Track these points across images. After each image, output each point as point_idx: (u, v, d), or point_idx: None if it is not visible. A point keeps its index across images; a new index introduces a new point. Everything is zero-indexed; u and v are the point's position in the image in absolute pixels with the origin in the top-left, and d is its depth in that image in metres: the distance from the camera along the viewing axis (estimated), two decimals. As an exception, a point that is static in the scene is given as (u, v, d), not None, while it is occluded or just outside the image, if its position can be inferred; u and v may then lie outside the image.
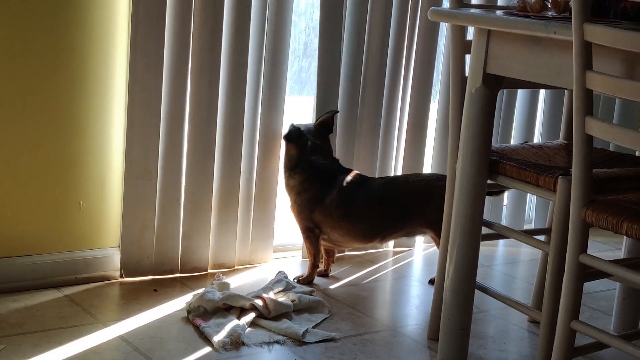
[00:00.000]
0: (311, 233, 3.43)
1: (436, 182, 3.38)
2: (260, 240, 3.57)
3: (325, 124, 3.53)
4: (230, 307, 3.00)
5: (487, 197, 2.71)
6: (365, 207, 3.40)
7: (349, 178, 3.43)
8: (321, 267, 3.53)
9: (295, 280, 3.41)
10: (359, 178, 3.47)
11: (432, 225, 3.35)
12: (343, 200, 3.38)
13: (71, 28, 3.05)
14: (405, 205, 3.42)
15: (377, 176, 3.74)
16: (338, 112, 3.59)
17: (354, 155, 3.72)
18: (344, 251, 3.79)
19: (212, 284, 3.20)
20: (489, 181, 2.67)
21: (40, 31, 3.00)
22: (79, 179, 3.16)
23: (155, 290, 3.22)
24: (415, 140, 3.88)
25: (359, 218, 3.41)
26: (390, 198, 3.42)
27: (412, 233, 3.57)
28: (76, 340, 2.74)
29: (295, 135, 3.47)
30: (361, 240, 3.50)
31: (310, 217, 3.42)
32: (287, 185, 3.50)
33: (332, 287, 3.43)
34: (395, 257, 3.87)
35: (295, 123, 3.53)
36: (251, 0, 3.32)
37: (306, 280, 3.42)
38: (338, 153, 3.66)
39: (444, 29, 3.89)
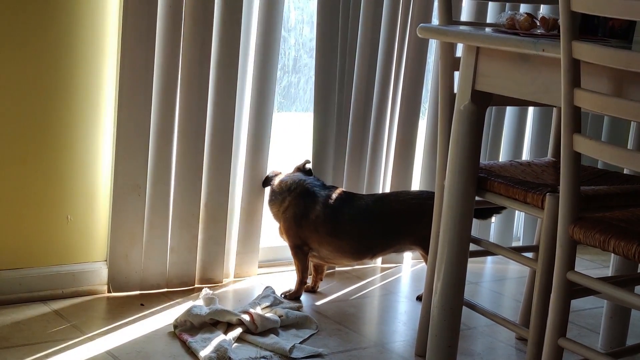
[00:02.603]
0: (299, 250, 3.43)
1: (425, 200, 3.38)
2: (245, 255, 3.56)
3: (301, 170, 3.58)
4: (217, 322, 2.99)
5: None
6: (355, 224, 3.40)
7: (334, 195, 3.44)
8: (309, 283, 3.53)
9: (283, 296, 3.41)
10: (345, 195, 3.47)
11: (422, 242, 3.35)
12: (329, 216, 3.38)
13: (59, 41, 3.05)
14: (395, 223, 3.42)
15: (364, 193, 3.74)
16: (309, 161, 3.62)
17: (342, 172, 3.72)
18: (334, 268, 3.78)
19: (200, 298, 3.19)
20: (478, 199, 2.68)
21: (28, 45, 2.99)
22: (66, 192, 3.16)
23: (142, 304, 3.21)
24: (403, 157, 3.89)
25: (348, 235, 3.40)
26: (380, 215, 3.42)
27: (400, 250, 3.58)
28: (63, 354, 2.73)
29: (271, 176, 3.54)
30: (350, 257, 3.49)
31: (297, 233, 3.42)
32: (272, 208, 3.50)
33: (319, 302, 3.42)
34: (383, 273, 3.87)
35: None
36: (241, 15, 3.33)
37: (293, 296, 3.42)
38: (326, 169, 3.66)
39: (433, 45, 3.90)
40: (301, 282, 3.44)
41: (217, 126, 3.36)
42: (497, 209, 3.40)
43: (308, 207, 3.40)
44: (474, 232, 2.78)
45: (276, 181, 3.51)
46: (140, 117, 3.19)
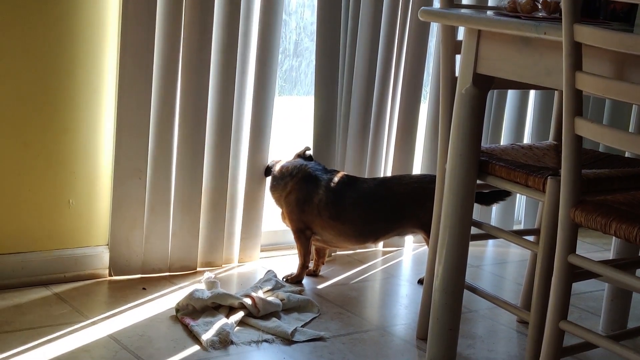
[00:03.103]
0: (302, 234, 3.43)
1: (428, 184, 3.37)
2: (247, 239, 3.57)
3: (302, 156, 3.57)
4: (219, 305, 3.00)
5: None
6: (357, 207, 3.40)
7: (336, 178, 3.43)
8: (311, 266, 3.53)
9: (284, 279, 3.41)
10: (347, 178, 3.46)
11: (424, 226, 3.34)
12: (332, 200, 3.38)
13: (61, 27, 3.04)
14: (398, 207, 3.42)
15: (366, 177, 3.74)
16: (310, 148, 3.61)
17: (343, 155, 3.72)
18: (335, 251, 3.78)
19: (201, 282, 3.19)
20: (480, 182, 2.68)
21: (29, 30, 2.99)
22: (68, 177, 3.16)
23: (144, 288, 3.22)
24: (405, 141, 3.88)
25: (351, 219, 3.40)
26: (382, 199, 3.42)
27: (403, 233, 3.58)
28: (65, 338, 2.74)
29: (271, 165, 3.54)
30: (353, 241, 3.49)
31: (300, 217, 3.42)
32: (274, 194, 3.50)
33: (321, 286, 3.43)
34: (385, 256, 3.88)
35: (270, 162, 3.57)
36: (240, 0, 3.32)
37: (295, 280, 3.42)
38: (327, 153, 3.66)
39: (435, 29, 3.89)
40: (303, 266, 3.44)
41: (218, 110, 3.36)
42: (501, 196, 3.40)
43: (311, 192, 3.40)
44: (475, 216, 2.78)
45: (277, 167, 3.51)
46: (141, 102, 3.19)
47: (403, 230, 3.50)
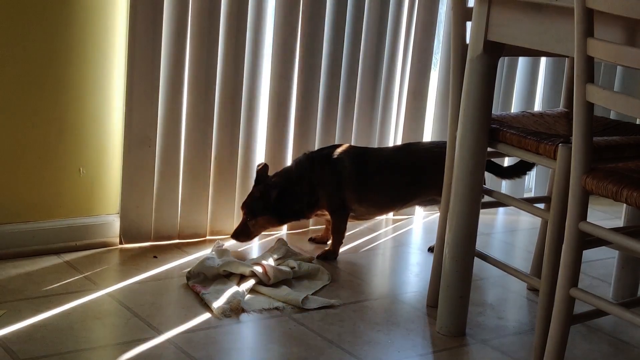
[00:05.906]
0: (342, 212, 3.40)
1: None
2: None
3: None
4: (230, 273, 3.00)
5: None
6: (381, 172, 3.39)
7: (349, 151, 3.39)
8: (322, 234, 3.54)
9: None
10: (356, 149, 3.44)
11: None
12: (358, 170, 3.35)
13: (70, -6, 3.04)
14: (420, 169, 3.39)
15: (376, 146, 3.74)
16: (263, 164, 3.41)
17: (352, 124, 3.71)
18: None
19: (212, 250, 3.20)
20: (490, 150, 2.67)
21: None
22: (79, 146, 3.16)
23: (155, 256, 3.22)
24: (415, 109, 3.87)
25: (379, 184, 3.40)
26: (403, 162, 3.42)
27: (424, 198, 3.52)
28: (76, 306, 2.75)
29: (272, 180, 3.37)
30: (384, 207, 3.53)
31: (339, 196, 3.38)
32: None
33: (331, 254, 3.43)
34: (395, 224, 3.88)
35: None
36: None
37: (330, 255, 3.36)
38: (336, 123, 3.66)
39: (445, -4, 3.88)
40: (340, 242, 3.41)
41: (228, 78, 3.35)
42: (520, 172, 3.39)
43: (339, 170, 3.35)
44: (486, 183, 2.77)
45: (289, 169, 3.39)
46: (150, 69, 3.18)
47: (425, 193, 3.45)
